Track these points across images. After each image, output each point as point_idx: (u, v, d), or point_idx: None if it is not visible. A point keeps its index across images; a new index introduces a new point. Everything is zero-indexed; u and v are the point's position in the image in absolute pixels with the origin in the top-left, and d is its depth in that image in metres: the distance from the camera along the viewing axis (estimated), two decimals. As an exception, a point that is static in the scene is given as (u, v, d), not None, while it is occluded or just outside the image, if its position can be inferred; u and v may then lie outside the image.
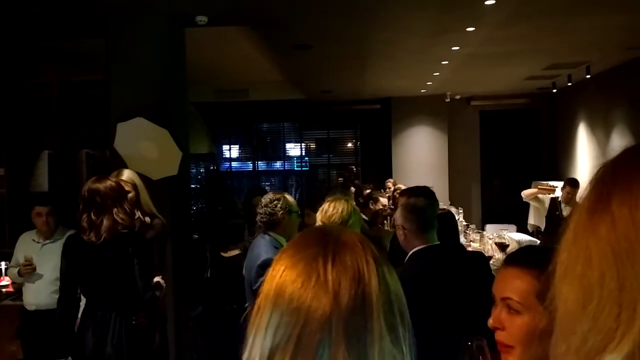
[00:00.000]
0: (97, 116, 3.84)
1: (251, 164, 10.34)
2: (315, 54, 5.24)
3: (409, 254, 2.15)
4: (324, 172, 10.36)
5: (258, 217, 2.81)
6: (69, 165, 3.89)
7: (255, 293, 2.87)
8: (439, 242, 2.15)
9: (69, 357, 2.51)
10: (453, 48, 5.23)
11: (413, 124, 9.11)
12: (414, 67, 6.32)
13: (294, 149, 10.41)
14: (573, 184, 5.49)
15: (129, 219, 2.52)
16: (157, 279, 3.21)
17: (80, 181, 3.85)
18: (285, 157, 10.43)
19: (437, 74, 6.75)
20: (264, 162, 10.52)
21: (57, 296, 3.46)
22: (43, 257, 3.35)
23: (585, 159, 7.71)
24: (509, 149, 9.37)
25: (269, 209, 2.76)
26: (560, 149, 8.88)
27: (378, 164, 9.45)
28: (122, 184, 2.72)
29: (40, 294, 3.35)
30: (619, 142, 6.61)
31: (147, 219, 3.08)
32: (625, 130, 6.49)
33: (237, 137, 10.47)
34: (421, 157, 8.95)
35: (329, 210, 2.46)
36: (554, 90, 7.91)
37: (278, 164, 10.57)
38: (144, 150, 3.39)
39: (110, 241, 2.45)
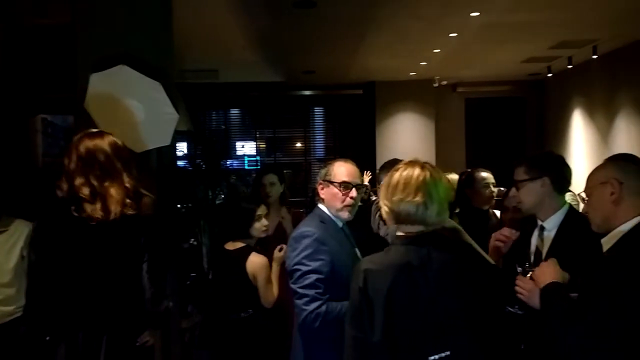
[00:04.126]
0: (58, 72, 2.95)
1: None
2: (317, 15, 4.52)
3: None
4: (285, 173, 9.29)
5: None
6: (18, 135, 2.97)
7: (293, 275, 1.88)
8: None
9: None
10: (472, 14, 4.65)
11: (398, 111, 8.55)
12: (417, 41, 5.72)
13: (260, 139, 9.42)
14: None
15: (138, 195, 1.73)
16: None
17: (35, 155, 2.96)
18: (239, 154, 9.26)
19: (438, 50, 6.19)
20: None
21: (4, 308, 2.65)
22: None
23: (582, 146, 7.38)
24: (494, 138, 8.99)
25: (318, 178, 2.17)
26: (549, 137, 8.57)
27: (360, 154, 8.82)
28: None
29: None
30: (625, 125, 6.29)
31: None
32: (632, 113, 6.15)
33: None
34: (407, 145, 8.37)
35: (397, 176, 1.65)
36: (549, 75, 7.55)
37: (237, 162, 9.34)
38: (126, 112, 2.55)
39: (115, 225, 1.65)
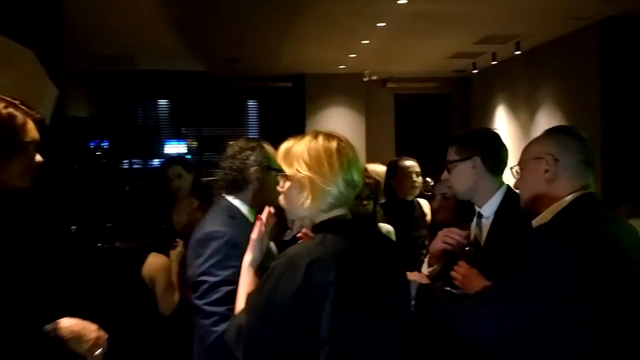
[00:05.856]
0: None
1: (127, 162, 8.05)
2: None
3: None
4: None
5: (220, 174, 1.82)
6: None
7: (197, 289, 1.42)
8: None
9: None
10: (399, 2, 4.52)
11: (328, 105, 8.38)
12: (345, 30, 5.54)
13: (188, 136, 8.87)
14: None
15: None
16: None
17: None
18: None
19: (367, 41, 6.05)
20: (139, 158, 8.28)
21: None
22: None
23: (505, 141, 7.46)
24: (423, 134, 9.07)
25: (237, 163, 1.77)
26: (475, 134, 8.73)
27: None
28: None
29: None
30: (545, 120, 6.45)
31: None
32: (552, 108, 6.33)
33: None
34: (338, 140, 8.23)
35: (329, 148, 1.45)
36: (474, 71, 7.66)
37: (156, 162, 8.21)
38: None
39: None
